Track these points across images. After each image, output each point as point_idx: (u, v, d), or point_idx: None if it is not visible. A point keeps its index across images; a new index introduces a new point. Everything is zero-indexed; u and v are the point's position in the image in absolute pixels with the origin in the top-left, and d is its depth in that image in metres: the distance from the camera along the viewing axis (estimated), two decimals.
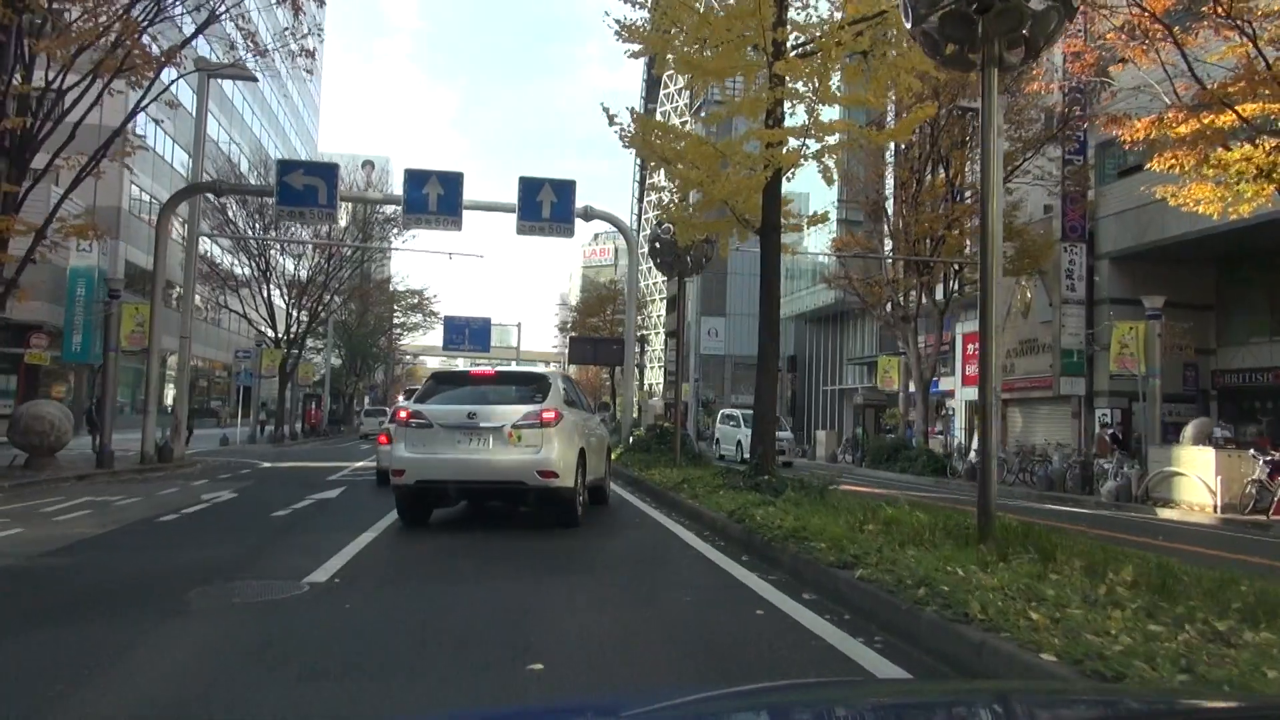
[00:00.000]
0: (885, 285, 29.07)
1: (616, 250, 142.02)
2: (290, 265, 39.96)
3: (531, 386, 9.85)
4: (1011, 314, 31.30)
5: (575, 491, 9.38)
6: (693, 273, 16.12)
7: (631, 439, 19.81)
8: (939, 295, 28.00)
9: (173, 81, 21.40)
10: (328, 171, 21.17)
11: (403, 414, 9.63)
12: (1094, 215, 27.31)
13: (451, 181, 21.37)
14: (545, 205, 21.63)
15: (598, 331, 67.24)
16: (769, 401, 11.33)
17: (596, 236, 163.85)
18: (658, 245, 15.96)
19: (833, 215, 48.23)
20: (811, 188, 44.93)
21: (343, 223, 44.66)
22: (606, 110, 11.75)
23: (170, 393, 51.93)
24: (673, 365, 75.25)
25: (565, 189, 21.85)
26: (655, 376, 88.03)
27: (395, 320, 64.70)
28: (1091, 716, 1.68)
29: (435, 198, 21.17)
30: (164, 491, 13.90)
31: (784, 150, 10.51)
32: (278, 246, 37.52)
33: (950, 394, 36.09)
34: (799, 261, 55.70)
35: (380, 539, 8.58)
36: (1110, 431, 24.73)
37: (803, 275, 54.50)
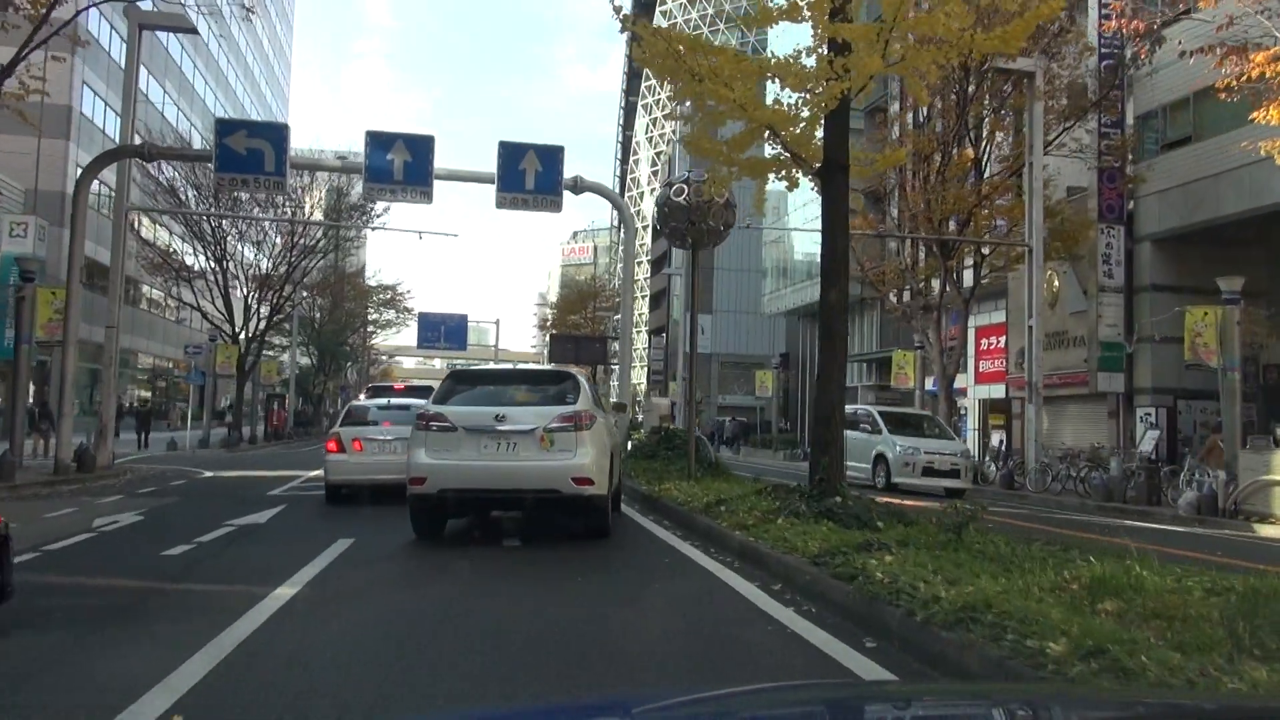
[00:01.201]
0: (903, 273, 26.39)
1: (596, 248, 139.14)
2: (250, 254, 36.83)
3: (560, 386, 9.05)
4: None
5: (608, 499, 8.79)
6: (709, 243, 13.40)
7: (631, 444, 17.00)
8: (961, 282, 25.35)
9: (81, 11, 18.37)
10: (276, 133, 18.24)
11: (420, 417, 8.82)
12: (1132, 194, 24.81)
13: (421, 146, 18.51)
14: (529, 174, 18.81)
15: (579, 329, 64.37)
16: (835, 396, 8.59)
17: (576, 234, 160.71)
18: (666, 210, 13.21)
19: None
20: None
21: (317, 215, 41.78)
22: (618, 10, 9.03)
23: (134, 392, 48.88)
24: (659, 364, 72.79)
25: (552, 156, 19.05)
26: (638, 376, 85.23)
27: (369, 317, 61.54)
28: (1088, 717, 1.66)
29: (402, 165, 18.31)
30: (51, 514, 10.98)
31: (856, 58, 7.74)
32: (235, 232, 34.40)
33: (962, 392, 33.55)
34: (790, 256, 53.18)
35: (302, 603, 5.73)
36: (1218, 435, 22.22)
37: (795, 270, 51.92)
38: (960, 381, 33.11)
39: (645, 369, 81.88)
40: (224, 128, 17.96)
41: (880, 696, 2.06)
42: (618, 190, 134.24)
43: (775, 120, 8.24)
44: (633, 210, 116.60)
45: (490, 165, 19.05)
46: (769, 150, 9.37)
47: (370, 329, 66.76)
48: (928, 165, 23.46)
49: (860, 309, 45.73)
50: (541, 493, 8.37)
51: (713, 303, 70.71)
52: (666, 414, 15.45)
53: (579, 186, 19.54)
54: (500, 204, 18.86)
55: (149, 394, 46.98)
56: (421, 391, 19.52)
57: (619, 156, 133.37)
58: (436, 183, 18.77)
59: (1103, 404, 25.33)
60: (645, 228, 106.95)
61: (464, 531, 9.34)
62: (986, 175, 23.39)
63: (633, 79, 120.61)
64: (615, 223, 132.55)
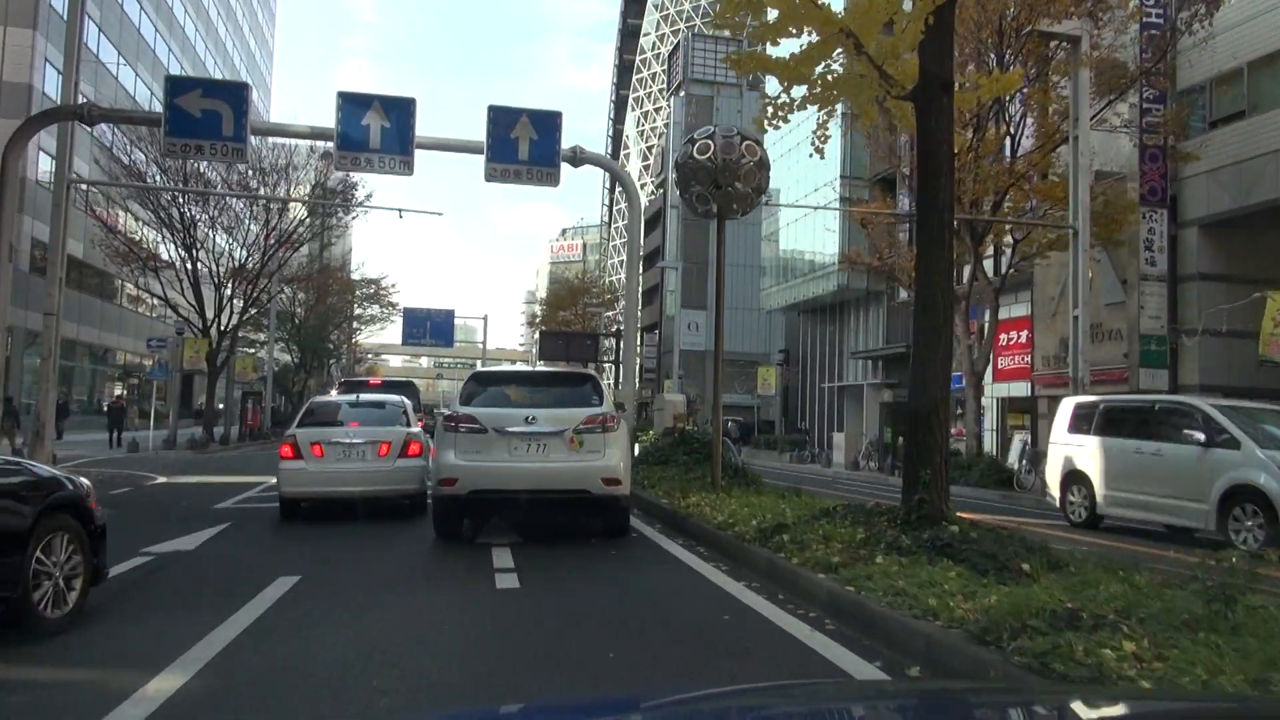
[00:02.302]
0: None
1: (585, 246, 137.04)
2: (222, 241, 34.54)
3: (584, 388, 9.14)
4: (1065, 295, 26.80)
5: (630, 499, 8.98)
6: (738, 211, 11.35)
7: (637, 447, 14.91)
8: (988, 269, 23.37)
9: None
10: (235, 93, 16.06)
11: (450, 418, 8.59)
12: (1175, 176, 22.89)
13: (400, 110, 16.37)
14: (522, 143, 16.69)
15: (569, 326, 62.21)
16: (937, 389, 6.53)
17: (565, 231, 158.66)
18: (688, 171, 11.15)
19: (834, 194, 43.78)
20: (802, 163, 40.37)
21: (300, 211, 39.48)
22: None
23: (110, 389, 46.42)
24: (651, 362, 70.65)
25: (548, 123, 16.93)
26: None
27: (353, 312, 59.24)
28: (1080, 717, 1.65)
29: (379, 131, 16.17)
30: None
31: None
32: (205, 218, 32.09)
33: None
34: (787, 252, 51.12)
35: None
36: None
37: (796, 265, 49.90)
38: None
39: (637, 367, 79.90)
40: (176, 86, 15.74)
41: (878, 695, 2.05)
42: (607, 188, 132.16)
43: (858, 23, 6.17)
44: (623, 204, 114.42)
45: (479, 134, 16.96)
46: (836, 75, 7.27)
47: (355, 325, 64.52)
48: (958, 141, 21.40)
49: (866, 302, 43.80)
50: (572, 493, 8.36)
51: (708, 298, 68.78)
52: (681, 413, 13.36)
53: (578, 158, 17.41)
54: (490, 176, 16.73)
55: (122, 391, 44.61)
56: (401, 388, 17.43)
57: (609, 151, 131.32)
58: (419, 153, 16.63)
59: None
60: None
61: (450, 571, 7.31)
62: (1019, 153, 21.37)
63: (624, 73, 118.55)
64: (605, 219, 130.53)
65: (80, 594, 5.05)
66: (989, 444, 29.30)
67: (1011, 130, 21.58)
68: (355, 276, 59.12)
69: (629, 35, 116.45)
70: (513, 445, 8.26)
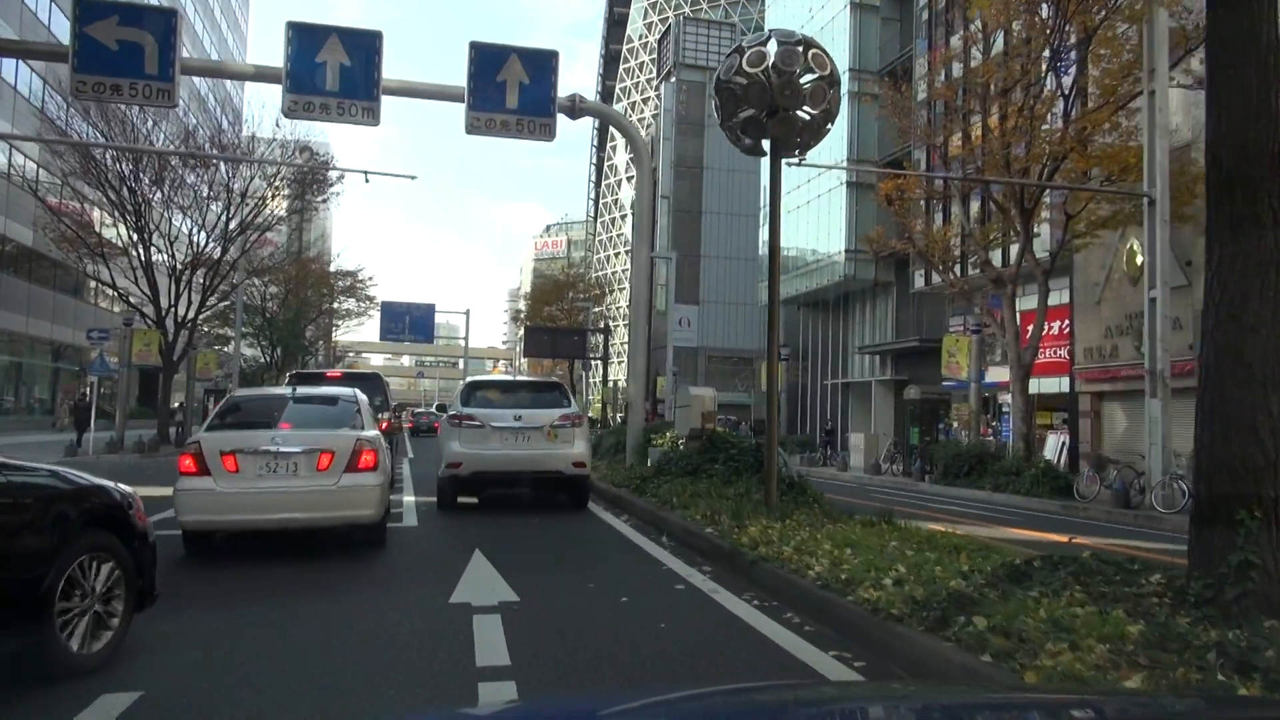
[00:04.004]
0: (965, 238, 21.75)
1: (570, 242, 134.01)
2: (178, 221, 31.51)
3: (554, 393, 11.61)
4: (1112, 281, 24.26)
5: (590, 478, 11.43)
6: (801, 144, 8.63)
7: (650, 455, 12.13)
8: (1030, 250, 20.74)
9: None
10: (160, 22, 13.19)
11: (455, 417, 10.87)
12: None
13: (363, 47, 13.62)
14: (511, 89, 13.96)
15: (555, 322, 59.29)
16: (1270, 366, 3.79)
17: (549, 228, 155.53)
18: (737, 90, 8.42)
19: (841, 177, 41.12)
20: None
21: (279, 205, 36.48)
22: None
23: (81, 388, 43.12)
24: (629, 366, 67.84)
25: (542, 65, 14.21)
26: (619, 372, 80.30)
27: (328, 306, 56.19)
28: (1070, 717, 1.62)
29: (337, 70, 13.42)
30: None
31: None
32: (159, 196, 29.07)
33: (1004, 386, 29.02)
34: (787, 243, 48.37)
35: None
36: None
37: (795, 257, 47.26)
38: (998, 374, 28.64)
39: (626, 365, 77.15)
40: (87, 11, 12.81)
41: (849, 697, 2.06)
42: (593, 181, 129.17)
43: None
44: (610, 198, 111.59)
45: (458, 78, 14.22)
46: None
47: (338, 324, 61.53)
48: (1005, 101, 18.81)
49: (873, 294, 41.20)
50: (549, 473, 10.68)
51: (700, 293, 65.97)
52: (711, 410, 10.66)
53: (578, 108, 14.66)
54: (472, 127, 13.98)
55: (84, 390, 41.46)
56: (364, 380, 14.65)
57: (594, 143, 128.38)
58: (386, 99, 13.86)
59: None
60: (624, 217, 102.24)
61: (425, 660, 4.55)
62: (1077, 114, 18.74)
63: (610, 64, 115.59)
64: (591, 213, 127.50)
65: (122, 623, 4.41)
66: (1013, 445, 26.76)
67: (1065, 91, 18.95)
68: (331, 268, 55.96)
69: (615, 25, 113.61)
70: (504, 437, 10.57)
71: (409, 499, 12.17)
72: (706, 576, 6.51)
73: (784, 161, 9.30)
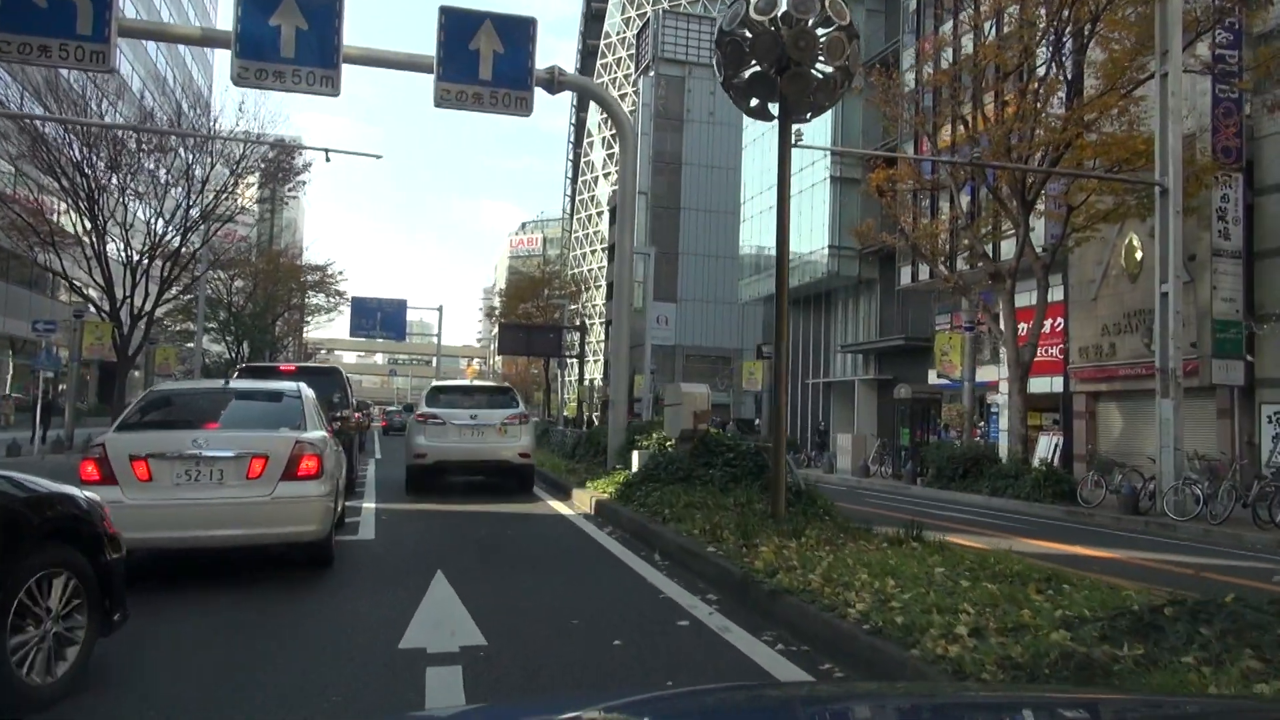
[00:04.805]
0: (960, 231, 20.82)
1: (545, 240, 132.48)
2: (139, 212, 30.05)
3: (505, 396, 14.04)
4: (1109, 277, 23.43)
5: (533, 467, 13.48)
6: (817, 104, 7.57)
7: (638, 460, 11.01)
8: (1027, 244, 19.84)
9: None
10: None
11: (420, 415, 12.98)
12: (1252, 134, 19.59)
13: (321, 9, 12.45)
14: (485, 58, 12.82)
15: (530, 319, 58.02)
16: None
17: (524, 225, 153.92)
18: (744, 41, 7.36)
19: (824, 173, 40.24)
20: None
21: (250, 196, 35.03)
22: None
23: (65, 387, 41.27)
24: (612, 360, 66.78)
25: (518, 33, 13.08)
26: (595, 371, 79.08)
27: (297, 300, 54.59)
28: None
29: (293, 36, 12.22)
30: None
31: None
32: (114, 181, 27.58)
33: (993, 386, 28.21)
34: (761, 242, 47.35)
35: None
36: None
37: (769, 257, 46.26)
38: (988, 373, 27.79)
39: (602, 362, 75.81)
40: None
41: (808, 699, 1.94)
42: (570, 178, 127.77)
43: None
44: (587, 195, 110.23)
45: (426, 48, 13.09)
46: None
47: (309, 322, 59.98)
48: (1007, 86, 17.89)
49: (856, 292, 40.33)
50: (499, 462, 12.82)
51: (677, 290, 64.97)
52: (704, 410, 9.56)
53: (556, 81, 13.53)
54: (442, 100, 12.82)
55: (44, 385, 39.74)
56: (325, 376, 13.48)
57: (571, 142, 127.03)
58: (350, 71, 12.70)
59: (1210, 399, 19.99)
60: (600, 214, 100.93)
61: None
62: (1084, 99, 17.83)
63: (587, 58, 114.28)
64: (568, 210, 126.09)
65: (82, 650, 3.91)
66: (1003, 446, 25.90)
67: (1067, 74, 18.03)
68: (300, 261, 54.39)
69: (593, 20, 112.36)
70: (462, 432, 12.49)
71: (369, 506, 11.01)
72: (713, 609, 5.42)
73: (794, 143, 8.22)
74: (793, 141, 12.80)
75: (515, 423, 12.69)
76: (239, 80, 12.22)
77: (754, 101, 7.63)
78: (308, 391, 7.36)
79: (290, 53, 12.17)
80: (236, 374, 13.26)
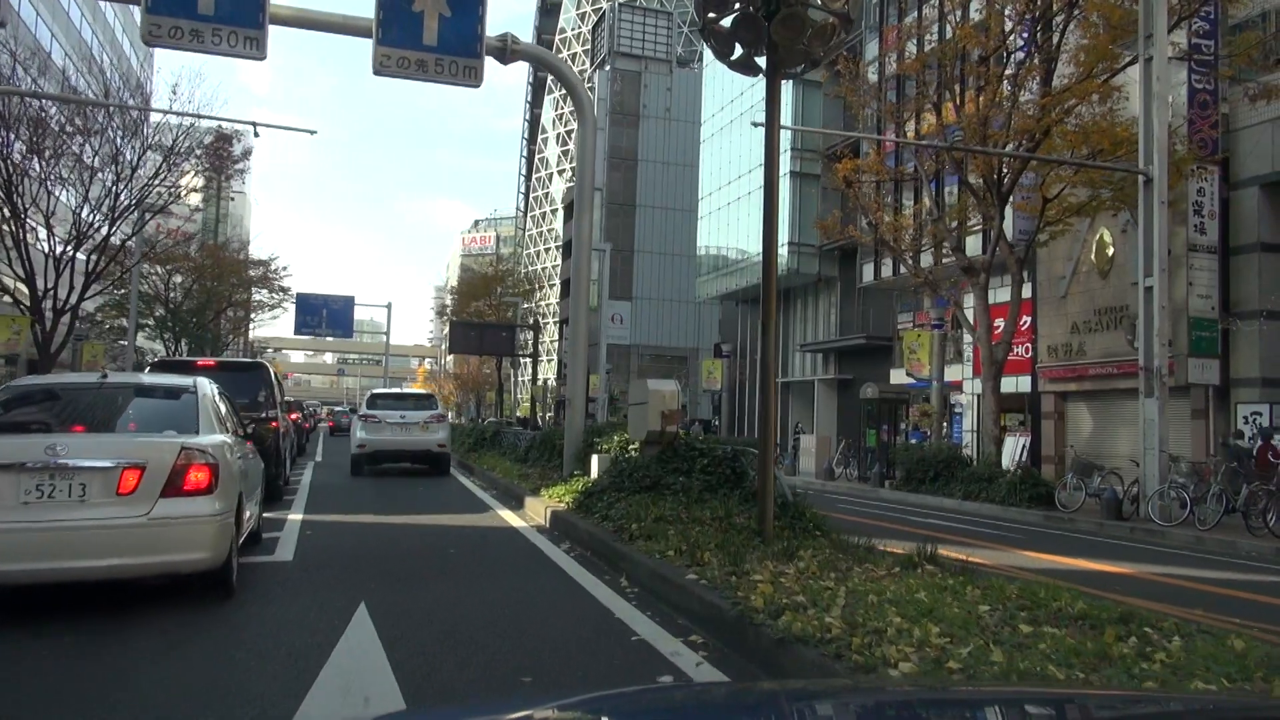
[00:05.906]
0: (932, 223, 20.01)
1: (499, 238, 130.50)
2: (63, 197, 28.22)
3: (428, 400, 18.47)
4: (1079, 274, 22.82)
5: (450, 455, 17.85)
6: (812, 54, 6.52)
7: (597, 465, 9.91)
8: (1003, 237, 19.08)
9: None
10: None
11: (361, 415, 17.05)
12: (1228, 126, 19.05)
13: None
14: (430, 21, 11.62)
15: (483, 317, 56.52)
16: None
17: (477, 223, 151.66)
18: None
19: (784, 165, 39.41)
20: (741, 139, 35.51)
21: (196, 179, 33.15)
22: None
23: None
24: (567, 356, 65.66)
25: None
26: (549, 371, 77.70)
27: (240, 296, 52.46)
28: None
29: None
30: None
31: None
32: (36, 165, 25.76)
33: (957, 386, 27.56)
34: (724, 239, 46.51)
35: None
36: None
37: (731, 252, 45.56)
38: (954, 373, 27.12)
39: (556, 362, 74.46)
40: None
41: (794, 695, 1.87)
42: (524, 175, 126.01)
43: None
44: (541, 192, 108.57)
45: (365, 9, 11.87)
46: None
47: (253, 320, 57.83)
48: (980, 70, 17.10)
49: (815, 290, 39.61)
50: (423, 451, 16.79)
51: (633, 288, 63.92)
52: (673, 409, 8.48)
53: (510, 50, 12.37)
54: (382, 68, 11.59)
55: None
56: (247, 372, 12.17)
57: (525, 138, 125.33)
58: (273, 28, 11.42)
59: (1185, 399, 19.40)
60: (555, 211, 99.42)
61: None
62: (1060, 86, 17.09)
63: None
64: (521, 208, 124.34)
65: None
66: (973, 446, 25.23)
67: (1049, 55, 17.27)
68: (242, 257, 52.32)
69: (547, 15, 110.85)
70: (393, 428, 16.63)
71: (295, 518, 9.75)
72: (701, 657, 4.33)
73: (754, 123, 7.17)
74: (752, 124, 11.80)
75: (435, 421, 17.17)
76: (150, 39, 10.88)
77: (738, 51, 6.56)
78: (207, 388, 6.12)
79: (209, 9, 10.88)
80: (150, 369, 11.85)
